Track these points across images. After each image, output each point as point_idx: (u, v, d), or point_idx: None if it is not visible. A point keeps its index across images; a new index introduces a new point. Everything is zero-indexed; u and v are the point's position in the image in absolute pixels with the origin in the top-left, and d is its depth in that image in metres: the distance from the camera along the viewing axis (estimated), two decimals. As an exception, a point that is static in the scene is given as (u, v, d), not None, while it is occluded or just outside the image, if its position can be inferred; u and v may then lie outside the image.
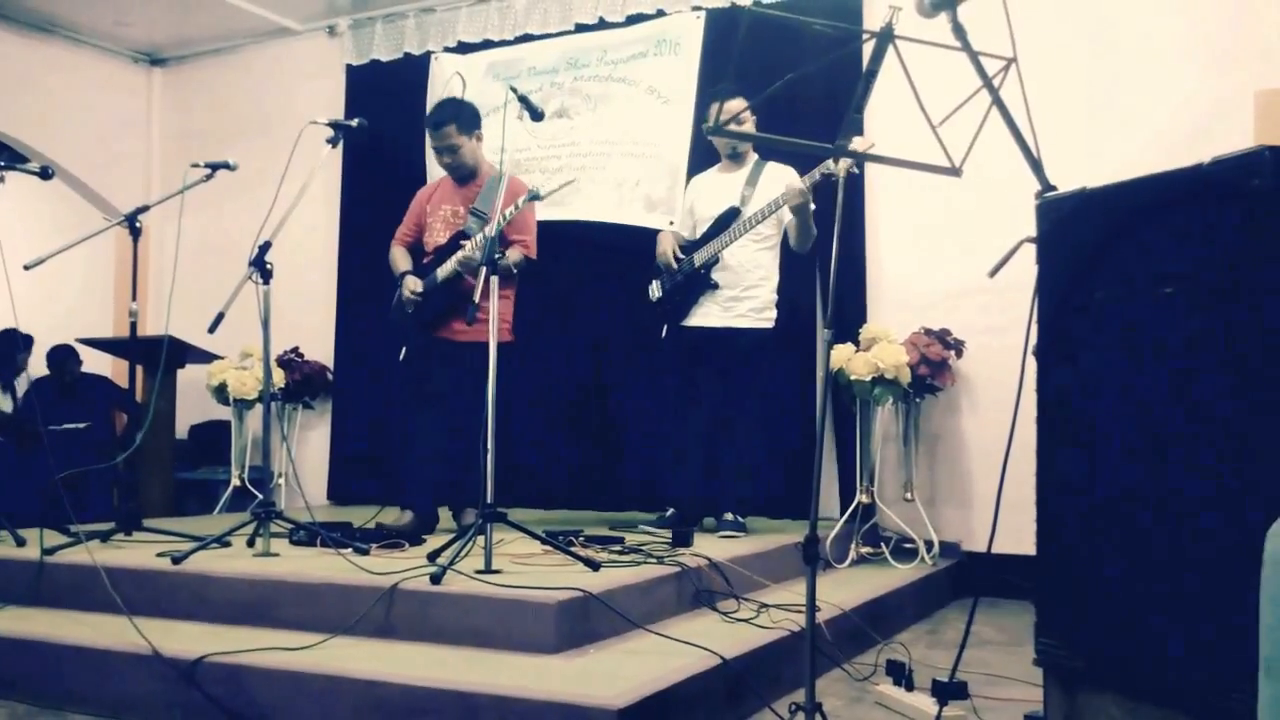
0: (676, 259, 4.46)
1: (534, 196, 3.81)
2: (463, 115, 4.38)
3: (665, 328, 4.51)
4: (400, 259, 4.49)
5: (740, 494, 4.41)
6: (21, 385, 6.93)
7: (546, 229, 5.52)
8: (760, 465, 4.55)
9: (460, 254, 4.17)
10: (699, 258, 4.39)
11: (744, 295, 4.36)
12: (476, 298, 3.50)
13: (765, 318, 4.40)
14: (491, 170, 4.45)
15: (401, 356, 4.44)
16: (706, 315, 4.40)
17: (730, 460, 4.38)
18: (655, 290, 4.56)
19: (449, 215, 4.42)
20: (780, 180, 4.34)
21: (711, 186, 4.54)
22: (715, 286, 4.36)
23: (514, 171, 5.01)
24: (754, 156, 4.50)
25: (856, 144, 3.94)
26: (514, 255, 4.22)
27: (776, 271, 4.46)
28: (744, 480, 4.42)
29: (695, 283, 4.41)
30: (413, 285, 4.32)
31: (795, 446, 5.14)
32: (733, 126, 4.29)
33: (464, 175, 4.43)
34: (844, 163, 3.87)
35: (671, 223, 4.89)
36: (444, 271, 4.26)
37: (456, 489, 4.26)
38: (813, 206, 4.25)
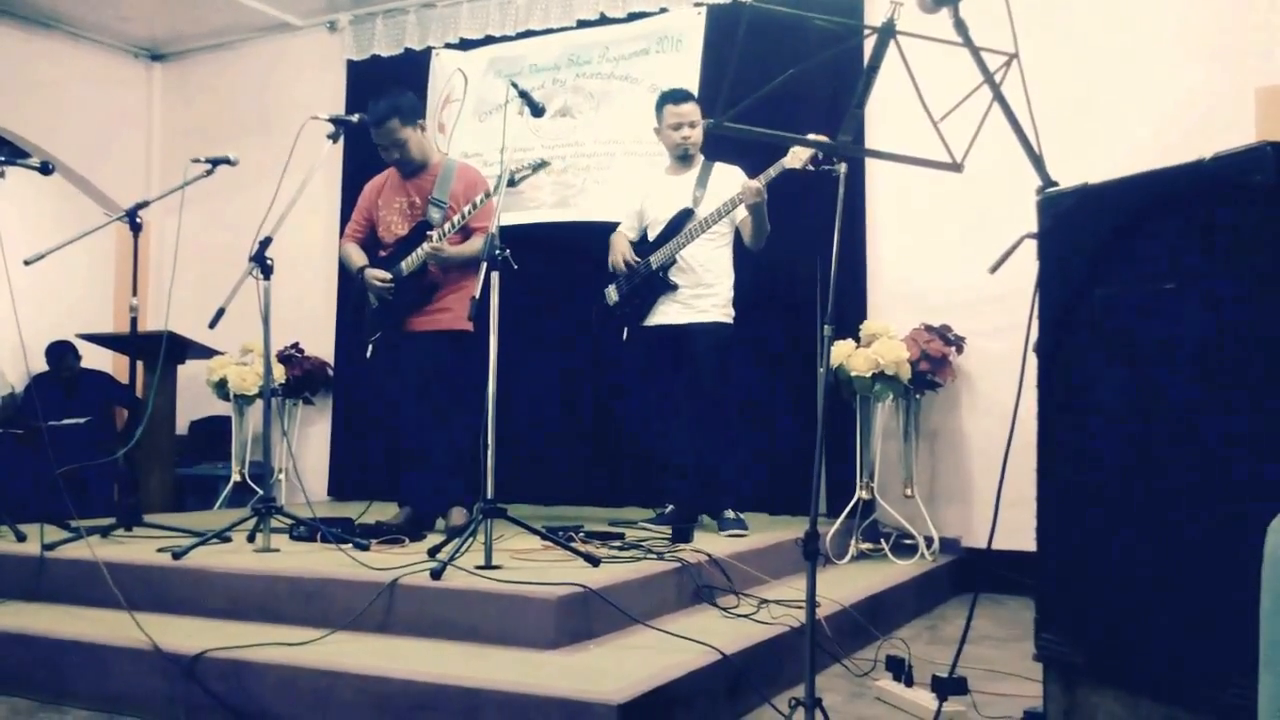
0: (633, 262, 4.44)
1: (510, 182, 3.78)
2: (403, 107, 4.23)
3: (626, 330, 4.51)
4: (354, 255, 4.37)
5: (733, 487, 4.41)
6: None
7: (550, 229, 5.55)
8: (748, 456, 4.55)
9: (428, 246, 4.10)
10: (655, 260, 4.38)
11: (704, 293, 4.36)
12: (476, 294, 3.49)
13: (726, 313, 4.41)
14: (443, 157, 4.41)
15: (369, 353, 4.35)
16: (667, 314, 4.40)
17: (717, 456, 4.37)
18: (612, 294, 4.55)
19: (404, 207, 4.31)
20: (730, 179, 4.37)
21: (661, 189, 4.53)
22: (674, 287, 4.36)
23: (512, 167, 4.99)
24: (701, 158, 4.50)
25: (797, 154, 3.99)
26: (477, 244, 4.08)
27: (732, 270, 4.46)
28: (736, 472, 4.42)
29: (653, 285, 4.41)
30: (382, 276, 4.21)
31: (795, 443, 5.15)
32: (686, 130, 4.32)
33: (414, 169, 4.30)
34: (803, 154, 3.92)
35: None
36: (410, 264, 4.18)
37: (437, 490, 4.21)
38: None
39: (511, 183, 3.79)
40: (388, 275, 4.21)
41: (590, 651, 2.87)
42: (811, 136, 3.35)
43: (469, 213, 4.06)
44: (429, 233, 4.15)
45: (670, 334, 4.38)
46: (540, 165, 3.91)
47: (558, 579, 2.99)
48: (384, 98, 4.25)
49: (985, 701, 2.82)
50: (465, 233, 4.18)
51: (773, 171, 4.10)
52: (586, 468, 5.76)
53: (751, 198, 4.14)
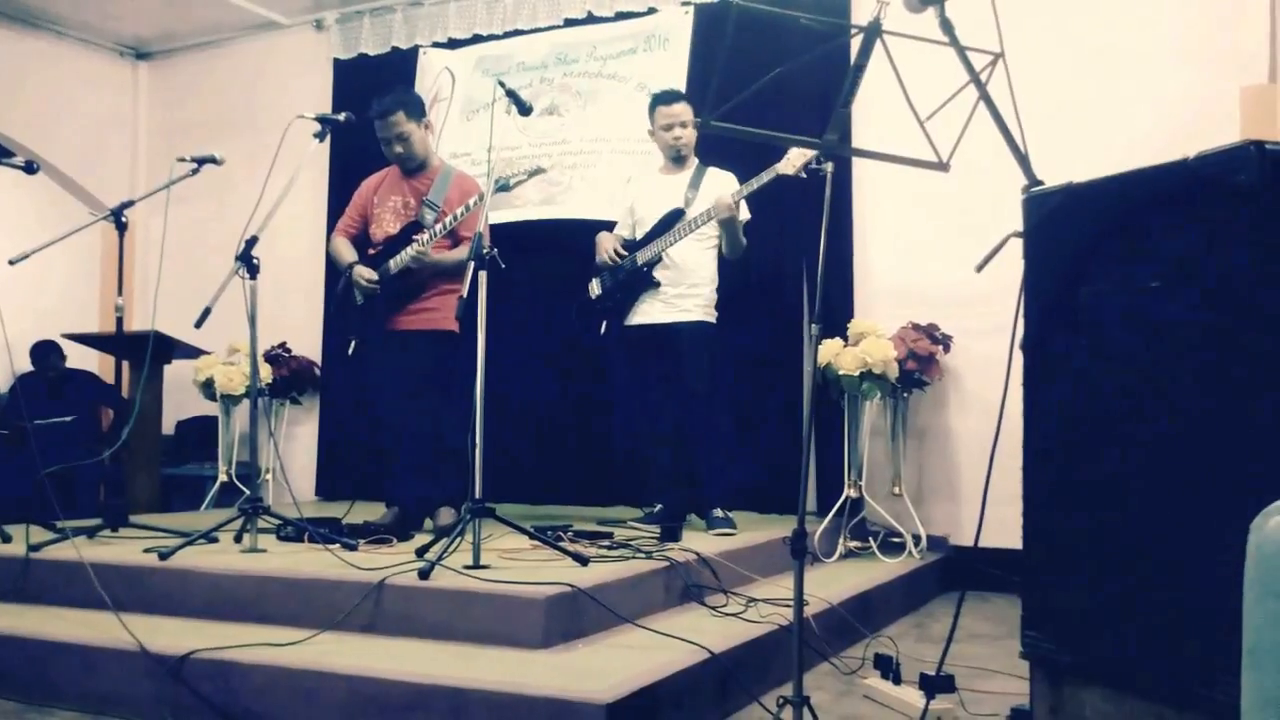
0: (619, 256, 4.45)
1: (502, 187, 3.79)
2: (409, 102, 4.29)
3: (605, 324, 4.52)
4: (344, 250, 4.39)
5: (721, 486, 4.41)
6: None
7: (538, 227, 5.55)
8: (734, 455, 4.57)
9: (414, 249, 4.11)
10: (642, 256, 4.40)
11: (688, 292, 4.37)
12: (464, 293, 3.49)
13: (709, 313, 4.42)
14: (441, 162, 4.42)
15: (350, 350, 4.35)
16: (649, 313, 4.40)
17: (704, 454, 4.38)
18: (595, 288, 4.56)
19: (399, 206, 4.33)
20: (721, 185, 4.38)
21: (654, 188, 4.54)
22: (657, 285, 4.37)
23: (504, 169, 5.00)
24: (695, 160, 4.51)
25: (791, 160, 4.01)
26: (464, 251, 4.11)
27: (716, 273, 4.47)
28: (721, 472, 4.43)
29: (637, 281, 4.42)
30: (368, 275, 4.23)
31: (783, 442, 5.15)
32: (677, 130, 4.33)
33: (414, 166, 4.32)
34: (798, 160, 3.95)
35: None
36: (397, 263, 4.19)
37: (424, 489, 4.21)
38: (745, 217, 4.33)
39: (506, 188, 3.82)
40: (374, 274, 4.22)
41: (579, 651, 2.87)
42: (800, 138, 3.35)
43: (461, 214, 4.06)
44: (414, 236, 4.15)
45: (654, 333, 4.38)
46: (536, 172, 3.94)
47: (546, 578, 2.99)
48: (390, 93, 4.28)
49: (972, 699, 2.83)
50: (454, 239, 4.19)
51: (766, 177, 4.10)
52: (575, 467, 5.76)
53: (722, 213, 4.17)
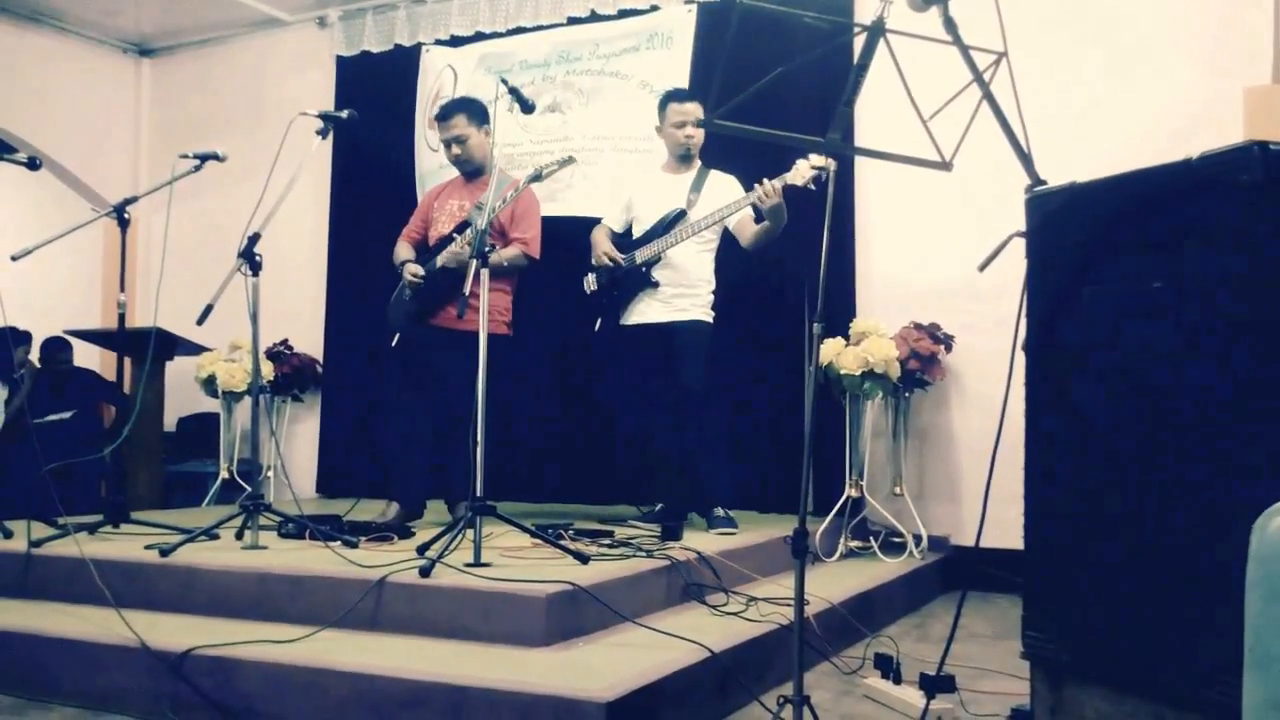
0: (617, 260, 4.43)
1: (534, 178, 3.85)
2: (473, 107, 4.42)
3: (600, 321, 4.52)
4: (403, 251, 4.52)
5: (722, 485, 4.41)
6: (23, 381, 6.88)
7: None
8: (731, 454, 4.56)
9: (450, 248, 4.19)
10: (641, 256, 4.39)
11: (686, 293, 4.37)
12: (466, 289, 3.50)
13: (706, 313, 4.41)
14: (501, 170, 4.46)
15: (394, 342, 4.42)
16: (647, 312, 4.40)
17: (704, 453, 4.37)
18: (591, 283, 4.57)
19: (455, 209, 4.43)
20: (723, 188, 4.38)
21: (655, 187, 4.53)
22: (655, 285, 4.37)
23: (506, 166, 5.01)
24: (698, 163, 4.50)
25: (800, 171, 3.97)
26: (509, 252, 4.23)
27: (714, 275, 4.46)
28: (721, 470, 4.43)
29: (634, 280, 4.41)
30: (415, 270, 4.33)
31: (785, 441, 5.15)
32: (689, 129, 4.32)
33: (473, 170, 4.44)
34: (806, 171, 3.93)
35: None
36: (441, 260, 4.26)
37: (450, 481, 4.24)
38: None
39: (539, 178, 3.90)
40: (420, 270, 4.32)
41: (579, 649, 2.87)
42: (803, 137, 3.35)
43: (498, 207, 4.08)
44: (454, 235, 4.23)
45: (652, 332, 4.38)
46: (567, 162, 3.98)
47: (547, 576, 2.99)
48: (459, 98, 4.53)
49: (973, 699, 2.83)
50: (504, 239, 4.29)
51: (776, 183, 4.10)
52: (576, 465, 5.75)
53: (774, 198, 4.04)
